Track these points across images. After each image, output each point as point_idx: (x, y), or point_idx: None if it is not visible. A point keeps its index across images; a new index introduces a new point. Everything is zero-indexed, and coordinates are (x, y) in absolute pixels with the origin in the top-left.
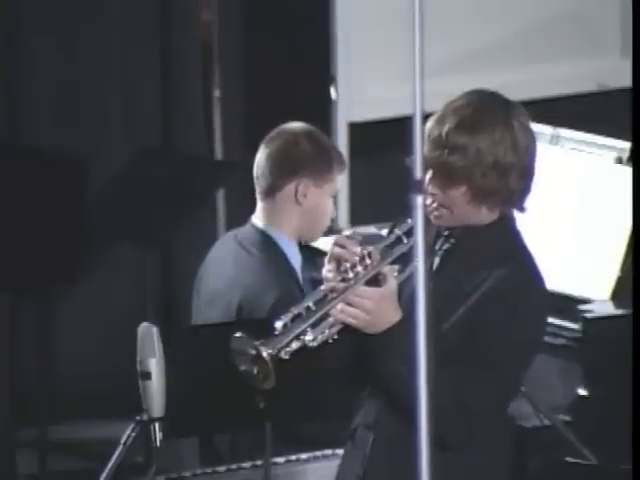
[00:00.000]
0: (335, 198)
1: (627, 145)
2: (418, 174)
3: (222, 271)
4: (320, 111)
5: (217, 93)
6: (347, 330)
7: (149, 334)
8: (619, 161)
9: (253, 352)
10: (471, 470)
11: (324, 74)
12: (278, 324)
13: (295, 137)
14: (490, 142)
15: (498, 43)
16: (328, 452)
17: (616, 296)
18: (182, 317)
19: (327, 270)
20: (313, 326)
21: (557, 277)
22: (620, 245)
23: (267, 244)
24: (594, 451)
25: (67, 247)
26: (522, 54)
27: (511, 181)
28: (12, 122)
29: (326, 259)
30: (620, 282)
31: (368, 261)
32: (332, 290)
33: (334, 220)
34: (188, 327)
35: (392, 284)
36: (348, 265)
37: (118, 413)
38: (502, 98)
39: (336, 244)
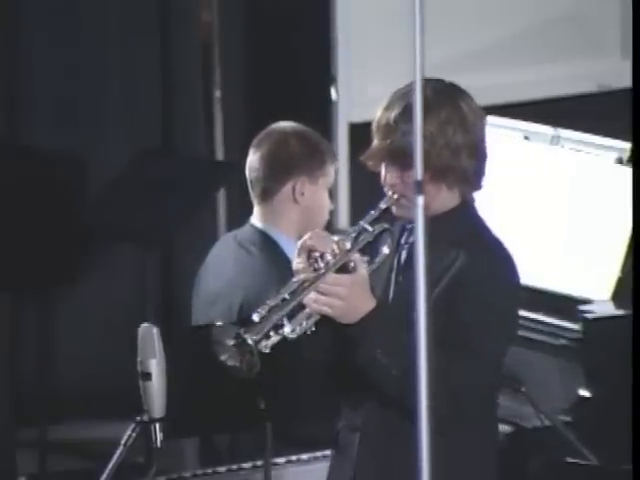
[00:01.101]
0: (331, 191)
1: (627, 145)
2: (419, 175)
3: (223, 272)
4: (320, 112)
5: (217, 93)
6: (324, 322)
7: (149, 334)
8: (619, 161)
9: (236, 340)
10: (456, 462)
11: (324, 75)
12: (255, 317)
13: (284, 137)
14: (438, 123)
15: (498, 43)
16: (329, 453)
17: (616, 296)
18: (182, 317)
19: (297, 262)
20: (290, 318)
21: (557, 277)
22: (620, 245)
23: (267, 243)
24: (594, 451)
25: (67, 247)
26: (522, 54)
27: (462, 159)
28: (12, 122)
29: (296, 252)
30: (620, 282)
31: (337, 250)
32: (304, 281)
33: (333, 213)
34: (188, 327)
35: (363, 271)
36: (317, 254)
37: (118, 413)
38: (448, 83)
39: (308, 237)
